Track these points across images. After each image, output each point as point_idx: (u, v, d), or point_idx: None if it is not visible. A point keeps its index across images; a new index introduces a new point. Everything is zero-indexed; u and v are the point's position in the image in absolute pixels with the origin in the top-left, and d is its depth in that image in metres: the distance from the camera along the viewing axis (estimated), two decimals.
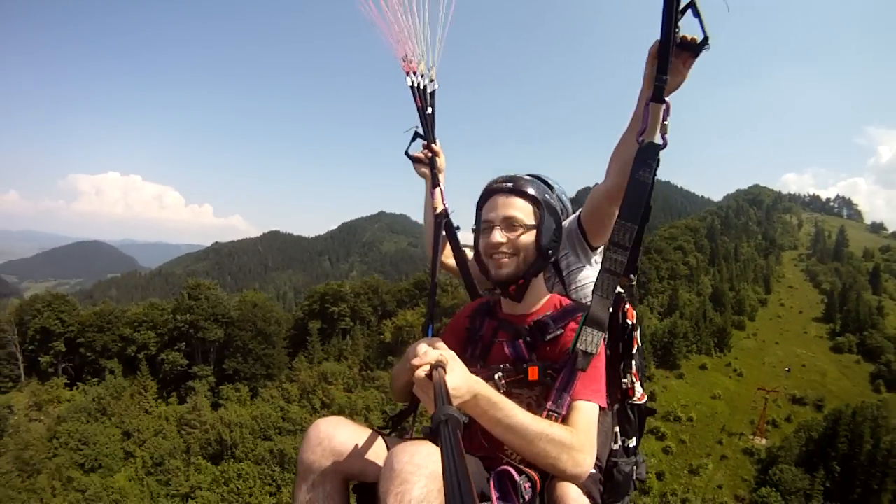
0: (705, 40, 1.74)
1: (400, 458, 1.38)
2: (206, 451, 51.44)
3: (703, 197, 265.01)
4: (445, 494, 0.74)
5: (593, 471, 1.82)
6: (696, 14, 1.67)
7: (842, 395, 62.92)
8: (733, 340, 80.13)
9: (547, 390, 1.81)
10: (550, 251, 2.00)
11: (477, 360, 2.05)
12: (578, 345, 1.75)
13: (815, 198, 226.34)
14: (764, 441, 55.86)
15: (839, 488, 46.50)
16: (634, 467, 2.13)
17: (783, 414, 61.95)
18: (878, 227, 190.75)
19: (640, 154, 1.78)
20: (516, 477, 1.59)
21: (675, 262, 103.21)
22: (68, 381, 68.05)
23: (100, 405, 59.32)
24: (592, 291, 1.82)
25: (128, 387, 64.27)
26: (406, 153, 2.86)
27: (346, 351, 70.34)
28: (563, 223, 2.37)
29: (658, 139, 1.78)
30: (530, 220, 1.96)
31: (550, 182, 2.42)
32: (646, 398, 2.26)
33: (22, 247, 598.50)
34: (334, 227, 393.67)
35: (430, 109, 2.79)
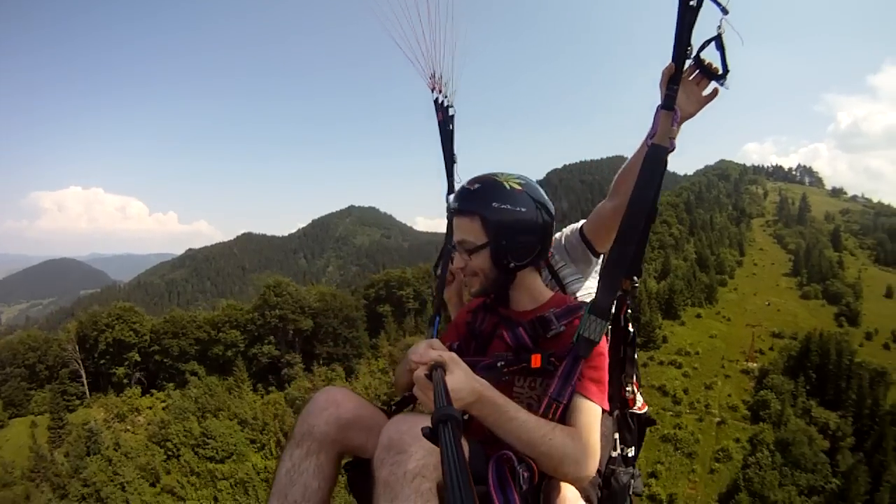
0: (725, 73, 1.93)
1: (399, 427, 1.46)
2: None
3: (672, 173, 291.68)
4: (446, 496, 0.77)
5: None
6: (720, 47, 1.87)
7: (811, 329, 78.51)
8: (719, 294, 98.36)
9: (549, 385, 1.85)
10: (513, 263, 2.04)
11: (477, 355, 2.12)
12: (582, 332, 1.84)
13: (779, 168, 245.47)
14: (755, 364, 74.61)
15: (816, 390, 65.09)
16: (632, 479, 2.17)
17: (766, 345, 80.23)
18: (837, 192, 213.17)
19: (649, 154, 1.93)
20: (516, 463, 1.62)
21: (662, 234, 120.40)
22: (142, 390, 76.78)
23: (199, 404, 67.63)
24: (598, 281, 1.94)
25: (219, 384, 73.67)
26: (433, 270, 3.23)
27: (420, 325, 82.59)
28: (560, 235, 2.74)
29: (666, 143, 1.93)
30: (480, 240, 2.01)
31: (515, 182, 2.05)
32: (646, 408, 2.33)
33: None
34: (304, 224, 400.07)
35: (451, 127, 3.26)
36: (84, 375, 75.79)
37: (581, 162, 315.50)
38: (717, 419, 64.87)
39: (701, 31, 1.85)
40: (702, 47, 1.90)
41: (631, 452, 2.25)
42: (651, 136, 1.95)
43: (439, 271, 3.13)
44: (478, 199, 2.01)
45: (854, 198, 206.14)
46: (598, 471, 1.99)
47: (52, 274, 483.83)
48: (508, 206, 2.00)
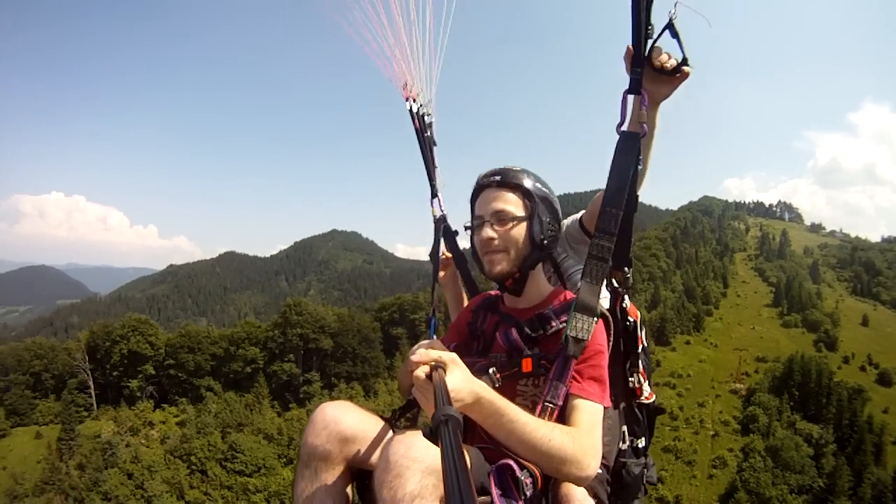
0: (683, 63, 1.95)
1: (396, 450, 1.43)
2: None
3: (655, 207, 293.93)
4: (445, 496, 0.78)
5: (600, 471, 1.91)
6: (675, 35, 1.88)
7: (794, 353, 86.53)
8: (706, 323, 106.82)
9: (544, 388, 1.87)
10: (546, 241, 2.10)
11: (479, 355, 2.16)
12: (569, 331, 1.87)
13: (760, 204, 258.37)
14: (742, 385, 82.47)
15: (799, 406, 73.17)
16: (644, 469, 2.23)
17: (752, 368, 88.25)
18: (816, 227, 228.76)
19: (620, 143, 1.98)
20: (517, 472, 1.63)
21: (651, 267, 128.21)
22: (154, 404, 76.89)
23: (219, 419, 68.08)
24: (581, 278, 1.96)
25: (238, 400, 74.84)
26: (430, 256, 3.25)
27: None
28: (564, 222, 2.68)
29: (637, 129, 1.97)
30: (520, 212, 2.07)
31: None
32: (654, 397, 2.36)
33: None
34: (285, 245, 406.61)
35: (427, 133, 3.32)
36: (92, 386, 75.94)
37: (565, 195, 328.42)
38: (712, 432, 72.61)
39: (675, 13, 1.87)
40: (657, 37, 1.93)
41: (641, 443, 2.32)
42: (620, 124, 2.02)
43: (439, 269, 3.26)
44: (524, 175, 2.13)
45: (832, 233, 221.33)
46: (607, 466, 2.10)
47: (30, 281, 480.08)
48: (544, 189, 2.17)
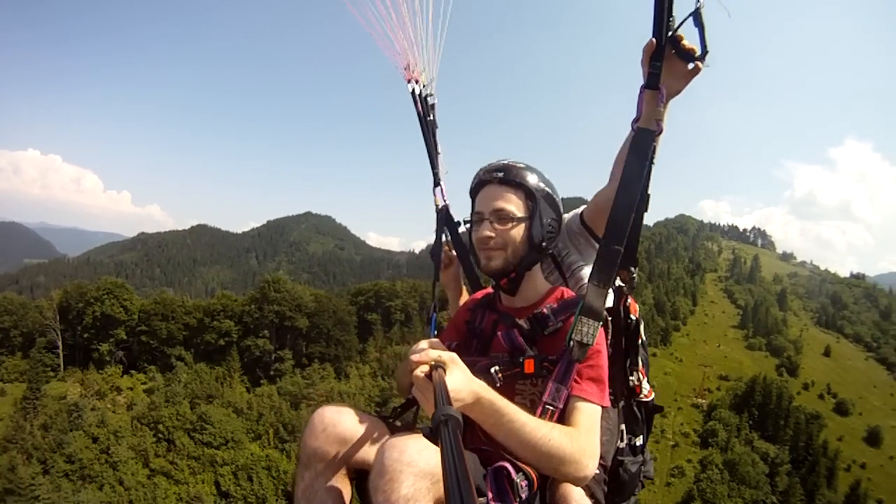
0: (704, 54, 1.90)
1: (390, 454, 1.43)
2: None
3: None
4: (445, 495, 0.79)
5: (597, 471, 1.93)
6: (698, 24, 1.83)
7: (756, 373, 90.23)
8: (673, 338, 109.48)
9: (544, 389, 1.88)
10: (544, 243, 2.11)
11: (478, 354, 2.17)
12: (574, 335, 1.86)
13: (734, 227, 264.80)
14: (704, 400, 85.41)
15: (758, 425, 76.27)
16: (641, 466, 2.29)
17: (714, 385, 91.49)
18: (788, 256, 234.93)
19: (634, 140, 1.95)
20: (513, 474, 1.63)
21: None
22: (122, 370, 75.71)
23: (188, 390, 67.85)
24: (588, 280, 1.93)
25: (209, 372, 74.52)
26: (432, 252, 3.14)
27: (407, 335, 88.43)
28: (564, 217, 2.60)
29: (653, 126, 1.93)
30: (521, 213, 2.07)
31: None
32: (653, 395, 2.40)
33: None
34: (258, 224, 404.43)
35: (430, 117, 3.24)
36: (61, 347, 75.08)
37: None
38: (672, 443, 75.23)
39: (685, 6, 1.82)
40: (679, 25, 1.89)
41: (639, 441, 2.36)
42: (636, 119, 2.00)
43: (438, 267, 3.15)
44: (523, 173, 2.11)
45: (803, 263, 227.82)
46: (604, 466, 2.13)
47: None
48: (547, 189, 2.15)
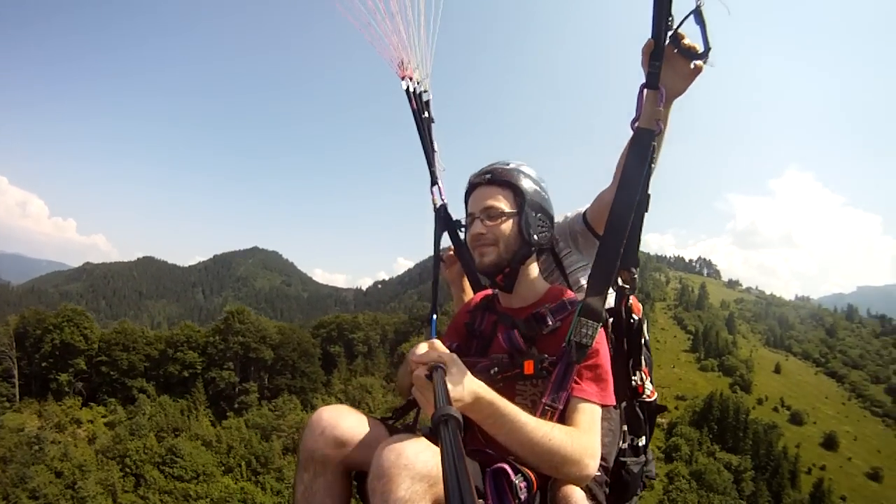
0: (706, 51, 1.90)
1: (387, 457, 1.44)
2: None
3: None
4: (445, 495, 0.79)
5: (598, 473, 1.90)
6: (699, 21, 1.84)
7: (713, 391, 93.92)
8: None
9: (544, 390, 1.89)
10: (536, 237, 2.15)
11: (478, 355, 2.19)
12: (573, 336, 1.87)
13: (680, 259, 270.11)
14: (663, 419, 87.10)
15: (718, 438, 79.71)
16: (644, 466, 2.26)
17: (672, 405, 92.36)
18: (733, 283, 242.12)
19: (634, 140, 1.96)
20: (512, 476, 1.63)
21: None
22: (81, 402, 72.30)
23: (153, 422, 65.88)
24: (587, 281, 1.96)
25: (172, 405, 72.17)
26: (436, 254, 3.17)
27: (371, 367, 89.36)
28: (561, 218, 2.75)
29: (653, 126, 1.93)
30: (510, 208, 2.13)
31: (532, 170, 2.28)
32: (655, 395, 2.37)
33: None
34: (204, 257, 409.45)
35: (426, 114, 3.21)
36: (17, 376, 71.84)
37: None
38: None
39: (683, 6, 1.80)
40: (681, 22, 1.89)
41: (641, 442, 2.33)
42: (636, 119, 2.01)
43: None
44: (511, 173, 2.18)
45: (749, 289, 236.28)
46: (605, 467, 2.06)
47: None
48: (536, 187, 2.21)
